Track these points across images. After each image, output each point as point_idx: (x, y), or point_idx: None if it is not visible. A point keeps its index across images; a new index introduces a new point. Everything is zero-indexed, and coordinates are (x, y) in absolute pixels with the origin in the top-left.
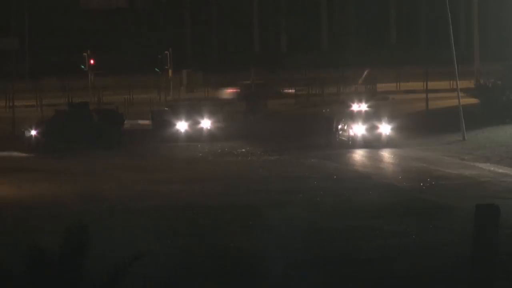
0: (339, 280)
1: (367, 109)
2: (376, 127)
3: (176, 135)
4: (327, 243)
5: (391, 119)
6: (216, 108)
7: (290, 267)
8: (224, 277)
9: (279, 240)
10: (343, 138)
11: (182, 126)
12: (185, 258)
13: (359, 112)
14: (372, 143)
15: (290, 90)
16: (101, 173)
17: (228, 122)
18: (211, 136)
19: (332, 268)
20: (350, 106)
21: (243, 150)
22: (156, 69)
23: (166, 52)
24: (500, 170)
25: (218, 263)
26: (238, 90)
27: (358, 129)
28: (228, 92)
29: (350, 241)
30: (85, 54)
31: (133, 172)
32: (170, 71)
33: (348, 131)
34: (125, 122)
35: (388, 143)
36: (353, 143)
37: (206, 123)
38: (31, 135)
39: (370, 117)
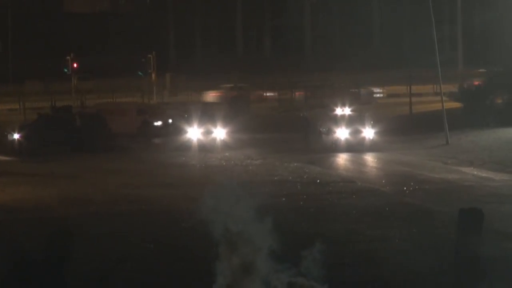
0: (320, 285)
1: (350, 113)
2: (359, 131)
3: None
4: (309, 247)
5: (374, 123)
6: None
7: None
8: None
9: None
10: (327, 142)
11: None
12: (169, 261)
13: (343, 116)
14: (356, 147)
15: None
16: (85, 177)
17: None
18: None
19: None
20: (334, 110)
21: (226, 154)
22: (139, 72)
23: (149, 55)
24: (484, 174)
25: (202, 267)
26: (222, 93)
27: (341, 133)
28: (212, 95)
29: (333, 245)
30: (68, 57)
31: (116, 176)
32: (153, 75)
33: (332, 135)
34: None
35: (372, 147)
36: (336, 147)
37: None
38: (14, 138)
39: (353, 121)
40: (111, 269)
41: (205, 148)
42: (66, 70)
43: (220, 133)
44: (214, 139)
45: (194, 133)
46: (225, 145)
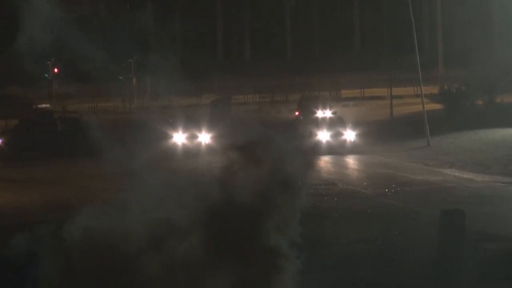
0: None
1: (331, 115)
2: (340, 134)
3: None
4: None
5: (356, 125)
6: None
7: None
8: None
9: None
10: (308, 145)
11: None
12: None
13: (324, 118)
14: (337, 149)
15: None
16: (66, 181)
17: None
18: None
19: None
20: (315, 112)
21: (206, 156)
22: (120, 77)
23: (129, 60)
24: (465, 176)
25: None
26: None
27: (322, 136)
28: None
29: (315, 247)
30: (49, 62)
31: (98, 180)
32: (134, 79)
33: (313, 137)
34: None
35: (353, 149)
36: (318, 150)
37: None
38: None
39: (334, 124)
40: (90, 273)
41: (189, 152)
42: (46, 75)
43: (204, 137)
44: (199, 144)
45: (179, 137)
46: (209, 149)
